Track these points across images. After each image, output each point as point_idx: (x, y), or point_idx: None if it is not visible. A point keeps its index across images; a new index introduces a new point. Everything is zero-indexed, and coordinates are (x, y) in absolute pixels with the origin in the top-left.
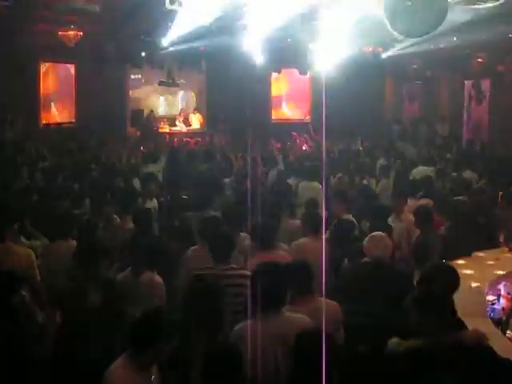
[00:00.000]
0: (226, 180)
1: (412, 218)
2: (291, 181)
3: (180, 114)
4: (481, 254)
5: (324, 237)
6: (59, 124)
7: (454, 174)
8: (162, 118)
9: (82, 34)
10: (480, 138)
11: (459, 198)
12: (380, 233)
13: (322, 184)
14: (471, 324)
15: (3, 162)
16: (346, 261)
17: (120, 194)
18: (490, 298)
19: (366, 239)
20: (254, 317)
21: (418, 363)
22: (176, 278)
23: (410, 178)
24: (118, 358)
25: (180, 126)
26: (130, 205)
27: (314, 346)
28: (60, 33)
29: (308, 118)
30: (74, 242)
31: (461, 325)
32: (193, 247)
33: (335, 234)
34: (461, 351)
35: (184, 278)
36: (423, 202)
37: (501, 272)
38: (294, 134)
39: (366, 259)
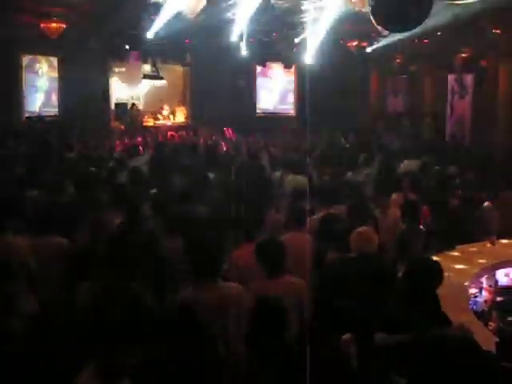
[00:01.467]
0: (211, 174)
1: (398, 211)
2: (277, 174)
3: (161, 107)
4: (464, 247)
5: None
6: (42, 117)
7: (438, 167)
8: (145, 112)
9: (65, 26)
10: (463, 132)
11: (443, 192)
12: (366, 228)
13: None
14: (454, 317)
15: None
16: (331, 255)
17: (109, 187)
18: (473, 290)
19: (353, 234)
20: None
21: (405, 358)
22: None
23: (395, 171)
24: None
25: (162, 119)
26: (120, 198)
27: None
28: (42, 25)
29: (293, 111)
30: (63, 240)
31: (445, 319)
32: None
33: (322, 227)
34: (446, 346)
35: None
36: (408, 195)
37: (483, 261)
38: (284, 127)
39: (351, 254)
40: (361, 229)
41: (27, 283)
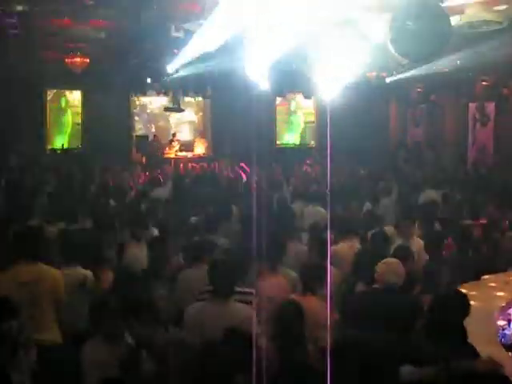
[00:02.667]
0: (233, 206)
1: (421, 242)
2: (296, 205)
3: (173, 137)
4: (489, 277)
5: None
6: (66, 150)
7: (460, 197)
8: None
9: (88, 60)
10: (485, 160)
11: (466, 222)
12: (394, 259)
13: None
14: (482, 350)
15: (11, 186)
16: (359, 287)
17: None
18: (501, 323)
19: (379, 264)
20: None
21: None
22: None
23: (418, 201)
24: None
25: (174, 149)
26: (141, 230)
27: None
28: (67, 60)
29: (313, 143)
30: (87, 272)
31: (473, 351)
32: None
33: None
34: (475, 379)
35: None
36: (431, 226)
37: (510, 292)
38: (308, 160)
39: (376, 285)
40: (388, 260)
41: (55, 315)
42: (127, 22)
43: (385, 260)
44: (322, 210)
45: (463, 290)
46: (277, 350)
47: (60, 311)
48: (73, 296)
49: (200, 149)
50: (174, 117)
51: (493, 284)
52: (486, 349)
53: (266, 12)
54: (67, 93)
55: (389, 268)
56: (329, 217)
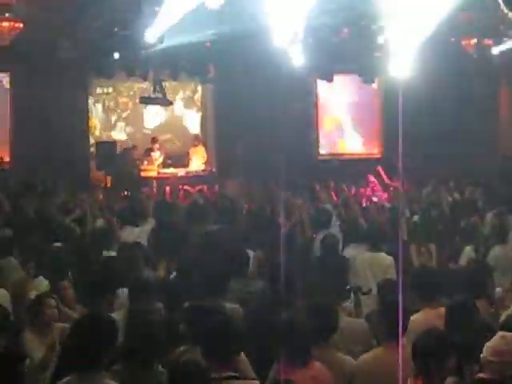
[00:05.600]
0: (250, 252)
1: None
2: (350, 251)
3: (153, 143)
4: None
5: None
6: None
7: None
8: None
9: (21, 25)
10: None
11: None
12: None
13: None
14: None
15: None
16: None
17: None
18: None
19: (490, 343)
20: None
21: None
22: None
23: None
24: None
25: (156, 163)
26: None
27: None
28: None
29: (378, 152)
30: None
31: None
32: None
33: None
34: None
35: None
36: None
37: None
38: (372, 179)
39: (482, 375)
40: (506, 334)
41: None
42: None
43: (501, 334)
44: (388, 258)
45: None
46: None
47: None
48: None
49: (197, 163)
50: (155, 113)
51: None
52: None
53: None
54: None
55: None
56: (401, 269)
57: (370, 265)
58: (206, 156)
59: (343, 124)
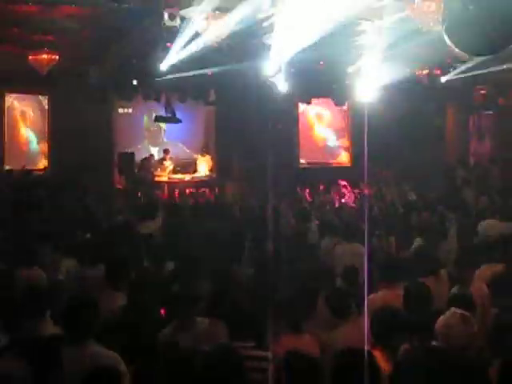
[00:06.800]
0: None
1: (485, 288)
2: (326, 242)
3: (165, 154)
4: None
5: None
6: (28, 171)
7: None
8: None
9: (57, 57)
10: None
11: None
12: (463, 311)
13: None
14: None
15: None
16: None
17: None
18: None
19: (443, 317)
20: None
21: None
22: None
23: (481, 236)
24: None
25: (167, 170)
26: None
27: None
28: (30, 57)
29: (347, 161)
30: None
31: None
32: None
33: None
34: None
35: None
36: (499, 268)
37: None
38: (342, 182)
39: (435, 343)
40: (455, 310)
41: None
42: (107, 9)
43: (450, 311)
44: (361, 247)
45: None
46: None
47: None
48: None
49: (203, 169)
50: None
51: None
52: None
53: None
54: (30, 99)
55: (452, 322)
56: (366, 258)
57: (344, 252)
58: (210, 164)
59: (319, 138)
